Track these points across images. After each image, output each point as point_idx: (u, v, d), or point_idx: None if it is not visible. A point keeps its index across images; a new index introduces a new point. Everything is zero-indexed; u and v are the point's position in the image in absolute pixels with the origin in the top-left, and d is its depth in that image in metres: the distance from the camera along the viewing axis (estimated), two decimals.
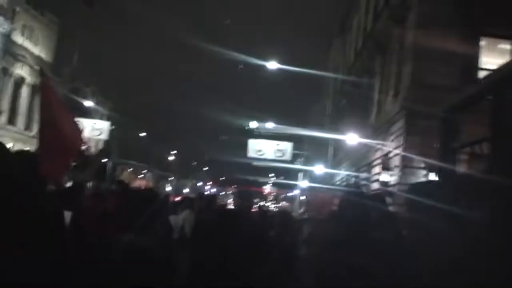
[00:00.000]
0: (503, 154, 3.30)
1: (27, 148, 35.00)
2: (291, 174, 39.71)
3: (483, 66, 16.21)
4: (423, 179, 15.32)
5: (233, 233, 5.07)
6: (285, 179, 43.61)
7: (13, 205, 3.23)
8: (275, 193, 77.65)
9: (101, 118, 46.12)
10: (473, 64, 16.05)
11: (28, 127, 46.41)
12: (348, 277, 3.84)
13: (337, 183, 30.24)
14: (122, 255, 3.33)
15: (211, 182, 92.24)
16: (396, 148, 17.82)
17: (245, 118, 32.91)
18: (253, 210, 8.15)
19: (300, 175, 35.13)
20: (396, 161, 17.82)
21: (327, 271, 3.83)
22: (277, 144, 30.42)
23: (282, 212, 8.43)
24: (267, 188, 72.84)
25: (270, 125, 32.19)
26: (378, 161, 20.61)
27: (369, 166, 22.45)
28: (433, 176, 15.16)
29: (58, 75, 48.02)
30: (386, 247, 3.99)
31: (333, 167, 31.63)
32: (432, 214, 3.91)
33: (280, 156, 30.46)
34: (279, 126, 31.92)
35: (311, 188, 30.44)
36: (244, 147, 31.01)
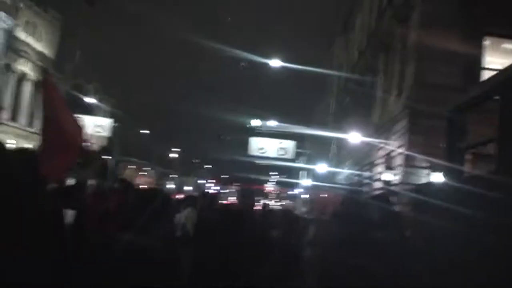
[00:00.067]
0: (510, 154, 3.26)
1: (29, 145, 35.03)
2: (294, 172, 39.73)
3: (487, 66, 16.16)
4: (428, 180, 15.30)
5: (236, 232, 5.05)
6: (287, 177, 43.61)
7: (13, 205, 3.20)
8: (277, 192, 77.67)
9: (103, 115, 46.08)
10: (476, 63, 16.00)
11: (30, 123, 46.40)
12: (352, 277, 3.82)
13: (340, 182, 30.22)
14: (124, 254, 3.29)
15: (213, 180, 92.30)
16: (399, 147, 17.78)
17: (248, 116, 32.86)
18: (256, 208, 8.14)
19: (303, 173, 35.10)
20: (399, 160, 17.78)
21: (331, 272, 3.80)
22: (280, 143, 30.37)
23: (287, 212, 8.39)
24: (269, 186, 72.87)
25: (272, 123, 32.13)
26: (381, 160, 20.57)
27: (372, 165, 22.41)
28: (436, 176, 15.17)
29: (61, 72, 47.98)
30: (390, 247, 3.96)
31: (336, 166, 31.59)
32: (438, 214, 3.88)
33: (283, 155, 30.41)
34: (282, 124, 31.87)
35: (314, 186, 30.44)
36: (247, 145, 30.97)
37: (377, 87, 23.25)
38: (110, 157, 38.45)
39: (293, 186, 46.82)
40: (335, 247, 3.95)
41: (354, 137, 23.89)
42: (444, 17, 15.99)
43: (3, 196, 3.19)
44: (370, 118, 23.74)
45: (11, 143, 38.11)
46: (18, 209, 3.21)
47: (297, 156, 33.88)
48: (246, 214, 5.70)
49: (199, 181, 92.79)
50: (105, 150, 40.52)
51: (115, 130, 37.59)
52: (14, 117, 45.53)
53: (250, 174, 46.98)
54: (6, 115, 44.08)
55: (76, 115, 8.38)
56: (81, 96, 43.82)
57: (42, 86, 7.06)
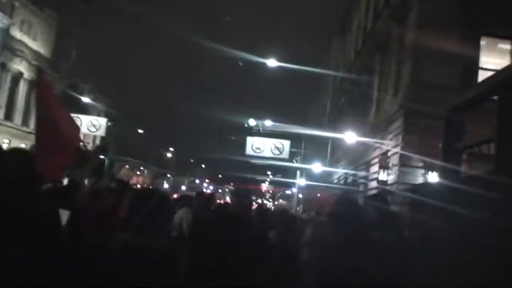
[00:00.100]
0: (509, 155, 3.25)
1: (24, 144, 34.92)
2: (289, 172, 39.69)
3: (483, 66, 16.19)
4: (423, 180, 15.32)
5: (232, 232, 5.02)
6: (282, 177, 43.59)
7: (8, 205, 3.17)
8: (272, 191, 77.74)
9: (98, 115, 46.01)
10: (473, 64, 16.03)
11: (25, 122, 46.32)
12: (350, 278, 3.80)
13: (335, 181, 30.24)
14: (121, 254, 3.26)
15: (208, 180, 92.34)
16: (394, 147, 17.79)
17: (244, 115, 32.84)
18: (252, 208, 8.12)
19: (298, 173, 35.10)
20: (394, 160, 17.80)
21: (328, 272, 3.78)
22: (275, 142, 30.35)
23: (283, 212, 8.35)
24: (264, 186, 72.88)
25: (268, 123, 32.12)
26: (376, 160, 20.59)
27: (367, 165, 22.43)
28: (432, 176, 15.19)
29: (56, 71, 47.90)
30: (387, 248, 3.95)
31: (331, 166, 31.62)
32: (435, 215, 3.87)
33: (278, 154, 30.38)
34: (278, 124, 31.86)
35: (308, 186, 30.43)
36: (242, 144, 30.94)
37: (373, 87, 23.26)
38: (105, 157, 38.32)
39: (288, 185, 46.80)
40: (332, 247, 3.93)
41: (350, 137, 23.89)
42: (441, 18, 16.00)
43: None
44: (366, 118, 23.75)
45: (6, 143, 38.02)
46: (13, 209, 3.18)
47: (292, 156, 33.86)
48: (242, 214, 5.68)
49: (194, 181, 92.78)
50: (100, 149, 40.41)
51: (110, 129, 37.48)
52: (9, 117, 45.42)
53: (246, 173, 46.94)
54: (1, 114, 43.97)
55: (71, 114, 8.33)
56: (76, 95, 43.75)
57: (37, 85, 7.02)
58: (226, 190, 74.81)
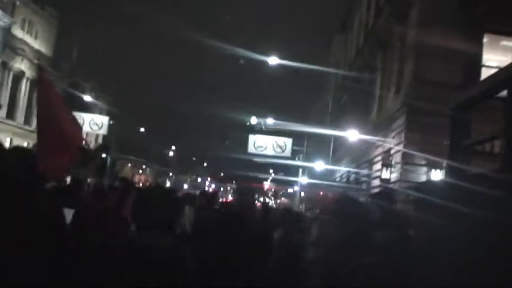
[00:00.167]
0: None
1: (26, 143, 34.93)
2: (291, 170, 39.70)
3: (486, 63, 16.13)
4: (426, 177, 15.29)
5: (235, 231, 5.00)
6: (284, 175, 43.60)
7: (9, 203, 3.16)
8: (274, 189, 77.72)
9: (100, 113, 46.02)
10: (475, 61, 15.96)
11: (27, 121, 46.34)
12: (353, 278, 3.78)
13: (337, 179, 30.21)
14: (126, 252, 3.24)
15: (210, 178, 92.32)
16: (397, 144, 17.76)
17: (245, 114, 32.79)
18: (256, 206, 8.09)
19: (300, 171, 35.09)
20: (397, 158, 17.76)
21: (333, 272, 3.76)
22: (277, 140, 30.31)
23: (287, 210, 8.32)
24: (266, 184, 72.86)
25: (270, 121, 32.08)
26: (379, 158, 20.55)
27: (370, 163, 22.39)
28: (434, 173, 15.16)
29: (58, 70, 47.92)
30: (392, 247, 3.92)
31: (334, 164, 31.58)
32: (440, 213, 3.84)
33: (280, 152, 30.35)
34: (279, 122, 31.80)
35: (311, 184, 30.43)
36: (244, 143, 30.91)
37: (375, 85, 23.22)
38: (107, 155, 38.40)
39: (290, 184, 46.76)
40: (336, 246, 3.90)
41: (352, 135, 23.84)
42: (443, 15, 15.94)
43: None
44: (368, 116, 23.71)
45: (8, 141, 38.04)
46: (14, 207, 3.16)
47: (294, 154, 33.82)
48: (245, 213, 5.66)
49: (196, 179, 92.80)
50: (102, 148, 40.46)
51: (112, 128, 37.48)
52: (11, 115, 45.45)
53: (248, 172, 46.91)
54: (3, 113, 43.99)
55: (73, 113, 8.32)
56: (78, 93, 43.76)
57: (38, 83, 7.01)
58: (228, 188, 74.79)
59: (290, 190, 55.12)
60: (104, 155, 38.79)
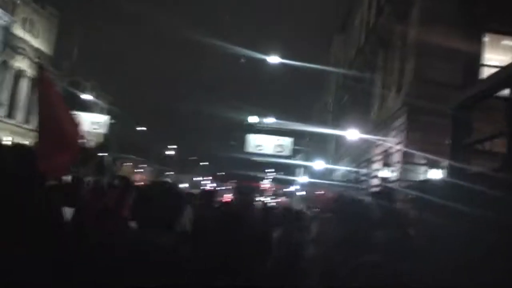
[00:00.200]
0: None
1: (26, 142, 34.93)
2: (291, 169, 39.71)
3: (486, 63, 16.11)
4: (427, 177, 15.27)
5: (235, 230, 4.99)
6: (284, 174, 43.57)
7: (8, 200, 3.14)
8: (274, 189, 77.62)
9: (100, 112, 46.02)
10: (476, 60, 15.94)
11: (27, 120, 46.29)
12: (353, 277, 3.76)
13: (337, 178, 30.20)
14: (126, 251, 3.22)
15: (210, 177, 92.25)
16: (397, 144, 17.74)
17: (246, 113, 32.80)
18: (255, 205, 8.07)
19: (300, 170, 35.07)
20: (397, 157, 17.75)
21: (332, 271, 3.75)
22: (277, 139, 30.31)
23: (288, 209, 8.30)
24: (266, 183, 72.79)
25: (270, 120, 32.07)
26: (379, 157, 20.54)
27: (370, 162, 22.38)
28: (435, 173, 15.15)
29: (58, 69, 47.89)
30: (392, 246, 3.90)
31: (334, 163, 31.57)
32: (440, 212, 3.83)
33: (280, 152, 30.37)
34: (280, 121, 31.80)
35: (311, 183, 30.41)
36: (244, 142, 30.90)
37: (375, 84, 23.21)
38: (107, 154, 38.40)
39: (290, 183, 46.74)
40: (336, 245, 3.89)
41: (352, 134, 23.84)
42: (444, 14, 15.92)
43: None
44: (369, 115, 23.71)
45: (7, 140, 38.02)
46: (13, 204, 3.14)
47: (294, 153, 33.83)
48: (245, 212, 5.64)
49: (195, 178, 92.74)
50: (102, 147, 40.45)
51: (112, 127, 37.49)
52: (11, 114, 45.40)
53: (247, 171, 46.91)
54: (2, 112, 43.97)
55: (73, 112, 8.29)
56: (78, 93, 43.76)
57: (38, 82, 6.99)
58: (228, 187, 74.77)
59: (290, 189, 55.10)
60: (104, 154, 38.79)
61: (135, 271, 3.03)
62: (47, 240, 3.19)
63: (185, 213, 8.21)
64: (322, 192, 27.16)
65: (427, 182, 8.08)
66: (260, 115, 31.89)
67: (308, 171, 33.70)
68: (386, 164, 18.92)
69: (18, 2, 44.24)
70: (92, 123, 32.93)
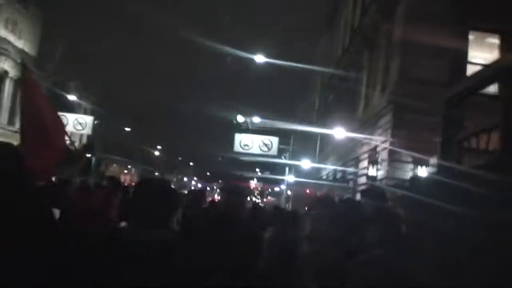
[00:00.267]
0: None
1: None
2: (278, 169, 39.65)
3: (472, 61, 16.20)
4: (413, 174, 15.33)
5: (224, 231, 4.93)
6: (271, 174, 43.53)
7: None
8: (260, 188, 77.68)
9: (84, 113, 45.73)
10: (461, 58, 16.02)
11: (11, 122, 45.88)
12: (346, 278, 3.73)
13: (324, 177, 30.23)
14: (117, 250, 3.15)
15: (196, 178, 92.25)
16: (383, 142, 17.79)
17: (232, 112, 32.72)
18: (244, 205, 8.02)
19: (286, 169, 35.07)
20: (383, 155, 17.79)
21: (325, 270, 3.71)
22: (263, 139, 30.26)
23: (278, 208, 8.27)
24: (253, 183, 72.82)
25: (256, 119, 32.02)
26: (366, 155, 20.59)
27: (356, 160, 22.42)
28: (421, 170, 15.20)
29: (42, 70, 47.51)
30: (383, 245, 3.87)
31: (320, 162, 31.61)
32: (430, 210, 3.80)
33: (266, 151, 30.30)
34: (266, 120, 31.77)
35: (297, 183, 30.40)
36: (230, 141, 30.85)
37: (361, 82, 23.26)
38: (91, 155, 38.14)
39: (277, 182, 46.74)
40: (330, 243, 3.85)
41: (338, 133, 23.87)
42: (429, 12, 15.99)
43: None
44: (355, 113, 23.76)
45: None
46: (4, 205, 3.08)
47: (281, 152, 33.79)
48: (235, 212, 5.58)
49: (182, 179, 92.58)
50: (87, 147, 40.18)
51: (96, 127, 37.22)
52: None
53: (234, 171, 46.84)
54: None
55: (58, 113, 8.19)
56: (62, 93, 43.44)
57: (22, 82, 6.90)
58: (214, 187, 74.67)
59: (276, 189, 55.09)
60: (88, 155, 38.52)
61: (125, 271, 2.97)
62: (39, 240, 3.13)
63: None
64: (309, 191, 27.18)
65: (416, 179, 8.09)
66: (246, 114, 31.83)
67: (294, 170, 33.67)
68: (373, 163, 18.96)
69: (1, 2, 43.85)
70: (76, 123, 32.63)
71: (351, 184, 22.87)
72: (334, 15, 35.42)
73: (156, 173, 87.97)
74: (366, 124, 20.67)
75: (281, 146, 32.28)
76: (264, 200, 68.63)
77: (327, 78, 34.73)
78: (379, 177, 17.92)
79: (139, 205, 3.35)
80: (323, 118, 33.85)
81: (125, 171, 75.50)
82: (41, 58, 49.79)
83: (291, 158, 34.27)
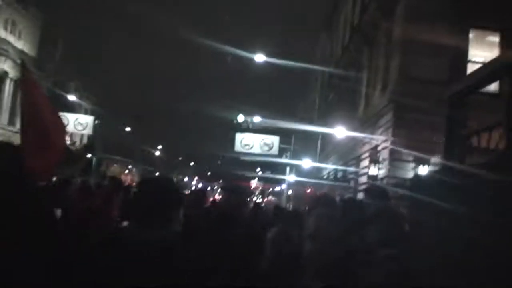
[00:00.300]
0: None
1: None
2: (278, 168, 39.63)
3: (472, 59, 16.17)
4: (414, 173, 15.30)
5: (226, 231, 4.91)
6: (272, 173, 43.48)
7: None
8: (261, 188, 77.62)
9: (85, 113, 45.73)
10: (461, 57, 16.00)
11: (12, 122, 45.88)
12: (346, 277, 3.71)
13: (325, 177, 30.20)
14: (119, 250, 3.13)
15: (197, 178, 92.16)
16: (384, 141, 17.77)
17: (232, 111, 32.70)
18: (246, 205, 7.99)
19: (287, 169, 35.05)
20: (384, 154, 17.77)
21: (329, 267, 3.69)
22: (264, 138, 30.24)
23: (279, 207, 8.24)
24: (254, 183, 72.76)
25: (257, 119, 32.02)
26: (366, 154, 20.56)
27: (357, 160, 22.40)
28: (421, 169, 15.17)
29: (42, 70, 47.51)
30: (388, 243, 3.85)
31: (321, 161, 31.58)
32: (435, 209, 3.78)
33: (267, 150, 30.30)
34: (267, 120, 31.75)
35: (298, 182, 30.37)
36: (231, 141, 30.84)
37: (361, 81, 23.23)
38: (92, 155, 38.17)
39: (278, 182, 46.70)
40: (333, 242, 3.83)
41: (339, 132, 23.84)
42: (429, 10, 15.97)
43: None
44: (355, 113, 23.72)
45: None
46: (5, 204, 3.06)
47: (282, 152, 33.76)
48: (236, 211, 5.56)
49: (183, 179, 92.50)
50: (87, 148, 40.21)
51: (97, 127, 37.23)
52: None
53: (235, 170, 46.79)
54: None
55: (58, 113, 8.18)
56: (62, 93, 43.46)
57: (22, 82, 6.87)
58: (215, 187, 74.64)
59: (277, 189, 55.03)
60: (89, 155, 38.57)
61: (129, 271, 2.95)
62: (40, 240, 3.11)
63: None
64: (310, 190, 27.14)
65: (418, 178, 8.05)
66: (247, 113, 31.82)
67: (295, 169, 33.64)
68: (374, 162, 18.93)
69: (1, 3, 43.84)
70: (77, 124, 32.61)
71: (352, 183, 22.84)
72: (333, 14, 35.37)
73: (157, 173, 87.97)
74: (367, 123, 20.65)
75: (282, 146, 32.27)
76: (265, 199, 68.56)
77: (327, 77, 34.69)
78: (380, 176, 17.90)
79: (141, 205, 3.32)
80: (324, 117, 33.81)
81: (126, 171, 75.43)
82: (41, 59, 49.79)
83: (292, 158, 34.24)
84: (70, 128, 30.34)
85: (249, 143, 29.61)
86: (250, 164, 47.40)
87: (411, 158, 16.13)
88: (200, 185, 79.73)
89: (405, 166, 16.44)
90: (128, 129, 67.09)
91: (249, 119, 31.42)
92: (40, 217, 3.27)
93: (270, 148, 29.78)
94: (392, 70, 18.01)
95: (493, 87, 10.82)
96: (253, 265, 4.75)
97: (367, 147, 20.47)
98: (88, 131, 34.78)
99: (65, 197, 6.06)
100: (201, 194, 9.22)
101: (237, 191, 5.74)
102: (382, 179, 17.46)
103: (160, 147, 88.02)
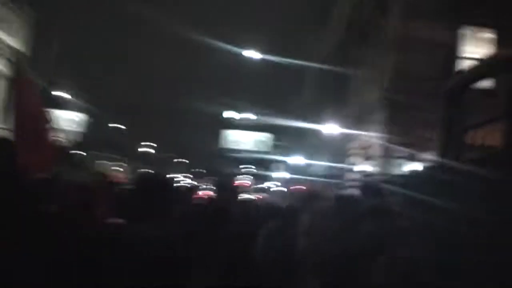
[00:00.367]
0: None
1: None
2: (270, 165, 39.69)
3: (467, 56, 16.19)
4: (406, 170, 15.33)
5: (219, 228, 4.89)
6: (264, 170, 43.54)
7: None
8: (253, 185, 77.67)
9: (76, 110, 45.60)
10: (455, 54, 16.02)
11: (5, 120, 45.75)
12: (344, 271, 3.70)
13: (317, 173, 30.23)
14: (115, 248, 3.09)
15: (189, 175, 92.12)
16: (377, 138, 17.78)
17: (225, 108, 32.70)
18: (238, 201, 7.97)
19: (279, 166, 35.09)
20: (377, 151, 17.79)
21: (325, 265, 3.68)
22: (257, 135, 30.27)
23: (273, 204, 8.20)
24: (246, 180, 72.84)
25: (250, 116, 32.04)
26: (360, 151, 20.58)
27: (350, 157, 22.41)
28: (414, 166, 15.19)
29: (35, 68, 47.37)
30: (383, 239, 3.84)
31: (314, 158, 31.60)
32: (429, 206, 3.76)
33: (259, 147, 30.34)
34: (259, 117, 31.76)
35: (290, 179, 30.41)
36: (223, 138, 30.85)
37: (355, 78, 23.23)
38: (83, 152, 38.10)
39: (270, 179, 46.80)
40: (329, 238, 3.82)
41: (332, 129, 23.85)
42: (424, 8, 15.98)
43: None
44: (349, 109, 23.73)
45: None
46: (2, 199, 3.03)
47: (274, 149, 33.81)
48: (229, 209, 5.53)
49: (172, 175, 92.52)
50: (78, 145, 40.13)
51: (89, 125, 37.18)
52: None
53: (227, 167, 46.82)
54: None
55: (49, 110, 8.16)
56: (55, 91, 43.33)
57: (15, 81, 6.86)
58: (207, 184, 74.66)
59: (270, 185, 55.12)
60: (82, 152, 38.49)
61: (127, 270, 2.92)
62: (36, 238, 3.08)
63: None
64: (302, 187, 27.12)
65: (411, 175, 8.04)
66: (239, 110, 31.83)
67: (287, 166, 33.69)
68: (367, 158, 18.96)
69: None
70: (68, 121, 32.61)
71: (344, 180, 22.86)
72: (329, 10, 35.33)
73: (148, 170, 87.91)
74: (360, 120, 20.65)
75: (275, 143, 32.30)
76: (258, 196, 68.56)
77: (321, 74, 34.68)
78: (373, 173, 17.91)
79: (137, 202, 3.29)
80: (317, 114, 33.82)
81: (118, 168, 75.42)
82: (36, 57, 49.63)
83: (284, 155, 34.28)
84: (63, 125, 30.29)
85: (242, 140, 29.63)
86: (242, 160, 47.43)
87: (404, 155, 16.15)
88: (193, 182, 79.71)
89: (398, 162, 16.47)
90: (120, 126, 67.04)
91: (242, 116, 31.43)
92: (34, 214, 3.24)
93: (263, 145, 29.81)
94: (386, 67, 18.01)
95: (488, 83, 10.84)
96: (249, 262, 4.73)
97: (360, 143, 20.48)
98: (80, 128, 34.75)
99: (59, 195, 6.02)
100: (192, 191, 9.22)
101: (228, 188, 5.72)
102: (375, 175, 17.47)
103: (152, 144, 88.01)
